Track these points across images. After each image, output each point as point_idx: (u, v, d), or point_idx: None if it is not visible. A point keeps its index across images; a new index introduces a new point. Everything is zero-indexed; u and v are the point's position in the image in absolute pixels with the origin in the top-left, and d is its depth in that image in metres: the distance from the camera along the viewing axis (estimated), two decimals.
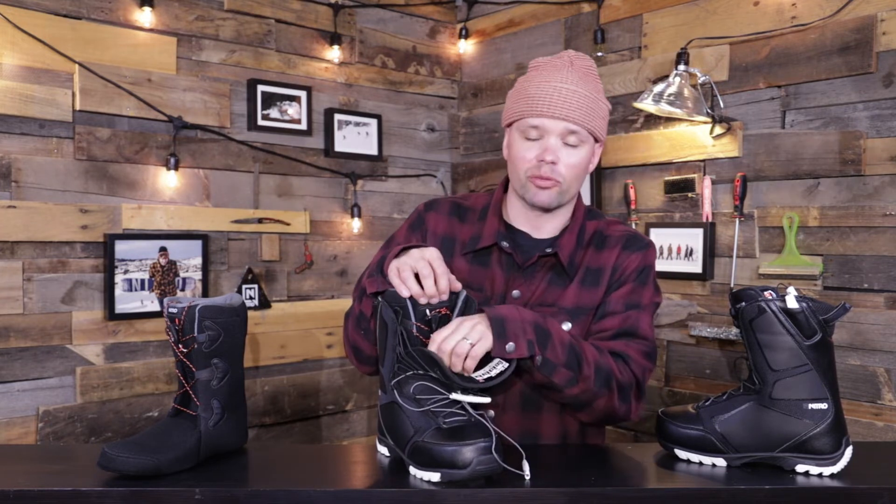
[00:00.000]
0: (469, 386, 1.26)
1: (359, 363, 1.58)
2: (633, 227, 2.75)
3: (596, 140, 1.54)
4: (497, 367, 1.30)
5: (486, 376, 1.29)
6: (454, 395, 1.26)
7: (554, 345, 1.35)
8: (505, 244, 1.54)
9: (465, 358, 1.28)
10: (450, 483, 1.18)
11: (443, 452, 1.18)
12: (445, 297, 1.34)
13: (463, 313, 1.34)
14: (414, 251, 1.37)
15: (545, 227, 1.58)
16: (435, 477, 1.19)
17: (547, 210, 1.54)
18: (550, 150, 1.47)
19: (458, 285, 1.37)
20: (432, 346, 1.29)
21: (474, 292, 1.51)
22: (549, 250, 1.53)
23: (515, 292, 1.52)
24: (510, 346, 1.30)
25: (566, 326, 1.48)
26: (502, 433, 1.24)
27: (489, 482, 1.20)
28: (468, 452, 1.16)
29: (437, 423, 1.23)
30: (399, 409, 1.28)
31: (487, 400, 1.27)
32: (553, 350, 1.35)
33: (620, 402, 1.45)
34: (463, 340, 1.28)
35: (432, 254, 1.35)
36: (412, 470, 1.24)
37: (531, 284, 1.52)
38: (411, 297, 1.32)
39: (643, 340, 1.50)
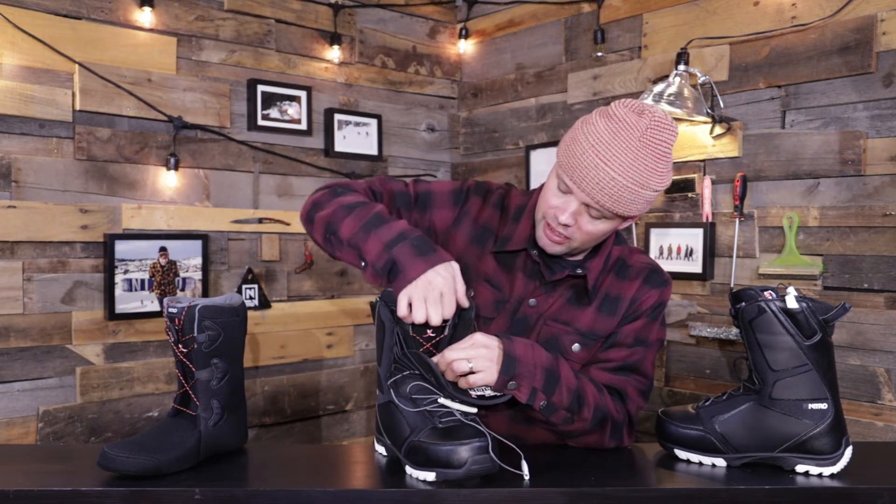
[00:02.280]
0: (460, 398, 1.27)
1: (306, 223, 1.51)
2: (634, 227, 2.75)
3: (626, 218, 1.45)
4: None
5: (478, 394, 1.30)
6: (442, 400, 1.26)
7: (561, 389, 1.36)
8: (535, 252, 1.50)
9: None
10: (445, 483, 1.18)
11: (438, 452, 1.18)
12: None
13: (460, 316, 1.34)
14: (432, 287, 1.29)
15: None
16: (430, 476, 1.19)
17: None
18: (570, 214, 1.39)
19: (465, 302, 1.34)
20: (438, 355, 1.30)
21: (494, 290, 1.51)
22: (579, 271, 1.50)
23: (532, 301, 1.51)
24: (512, 384, 1.32)
25: (575, 348, 1.49)
26: (496, 435, 1.24)
27: (489, 482, 1.19)
28: (463, 452, 1.16)
29: (433, 423, 1.23)
30: (395, 409, 1.28)
31: (474, 410, 1.28)
32: (559, 394, 1.36)
33: (610, 439, 1.46)
34: (465, 362, 1.28)
35: (448, 284, 1.29)
36: (408, 469, 1.24)
37: (550, 298, 1.51)
38: None
39: (643, 378, 1.51)
